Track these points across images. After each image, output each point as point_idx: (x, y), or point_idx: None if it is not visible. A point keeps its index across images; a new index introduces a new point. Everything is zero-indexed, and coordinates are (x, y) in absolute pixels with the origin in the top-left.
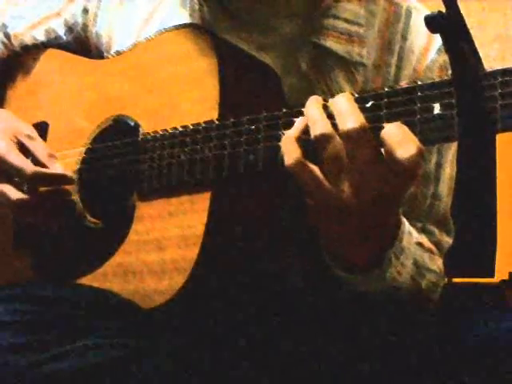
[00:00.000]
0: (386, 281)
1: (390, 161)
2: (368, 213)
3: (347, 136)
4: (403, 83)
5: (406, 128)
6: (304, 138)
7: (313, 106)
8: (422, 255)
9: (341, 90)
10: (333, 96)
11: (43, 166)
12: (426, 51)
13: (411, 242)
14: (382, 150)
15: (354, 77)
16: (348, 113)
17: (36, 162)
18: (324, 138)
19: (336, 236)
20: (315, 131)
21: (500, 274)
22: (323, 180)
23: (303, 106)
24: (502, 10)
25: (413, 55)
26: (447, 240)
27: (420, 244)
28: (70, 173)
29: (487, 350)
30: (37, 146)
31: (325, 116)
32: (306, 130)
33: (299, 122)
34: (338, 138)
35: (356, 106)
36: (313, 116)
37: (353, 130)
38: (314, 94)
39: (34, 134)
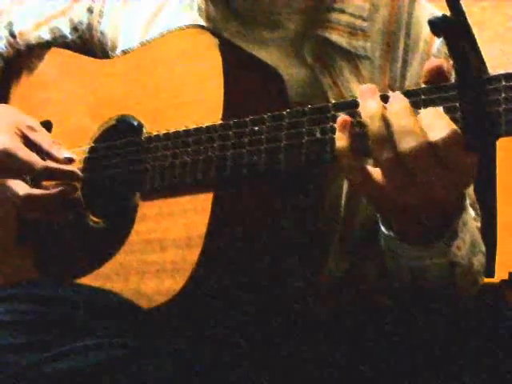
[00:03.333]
0: (449, 254)
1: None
2: (427, 209)
3: (405, 156)
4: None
5: (441, 112)
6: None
7: (371, 98)
8: (478, 233)
9: (346, 83)
10: (338, 89)
11: (49, 155)
12: (431, 41)
13: (470, 216)
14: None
15: (358, 70)
16: (407, 131)
17: (41, 152)
18: (379, 139)
19: (395, 212)
20: (373, 129)
21: (500, 274)
22: (372, 180)
23: (307, 106)
24: (502, 10)
25: (418, 47)
26: (476, 217)
27: (476, 220)
28: (77, 170)
29: (487, 349)
30: (40, 136)
31: (381, 114)
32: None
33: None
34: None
35: (415, 118)
36: (370, 110)
37: (410, 150)
38: (320, 87)
39: (36, 124)
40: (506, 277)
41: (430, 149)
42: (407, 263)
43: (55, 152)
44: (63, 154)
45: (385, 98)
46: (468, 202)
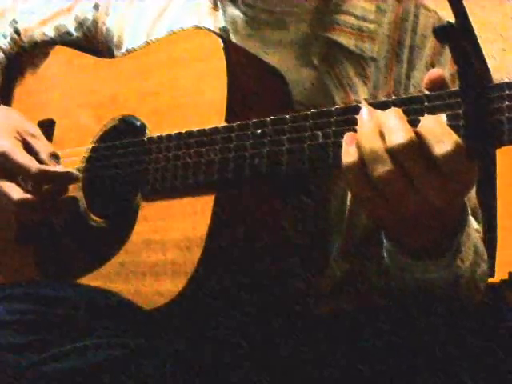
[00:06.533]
0: (453, 267)
1: (432, 159)
2: (427, 219)
3: (395, 152)
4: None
5: (443, 122)
6: None
7: (366, 118)
8: (481, 243)
9: (352, 85)
10: (344, 90)
11: (44, 163)
12: (437, 45)
13: (472, 229)
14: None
15: (365, 72)
16: (396, 128)
17: (40, 160)
18: (373, 156)
19: (396, 227)
20: (364, 146)
21: (500, 274)
22: (374, 196)
23: (310, 110)
24: (502, 10)
25: (424, 50)
26: (479, 228)
27: (478, 231)
28: (74, 170)
29: (487, 349)
30: (40, 144)
31: (377, 133)
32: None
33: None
34: (387, 157)
35: (405, 120)
36: (364, 130)
37: (400, 145)
38: (326, 88)
39: (38, 132)
40: (506, 277)
41: (425, 157)
42: (411, 276)
43: (51, 164)
44: (59, 168)
45: (385, 106)
46: (469, 212)
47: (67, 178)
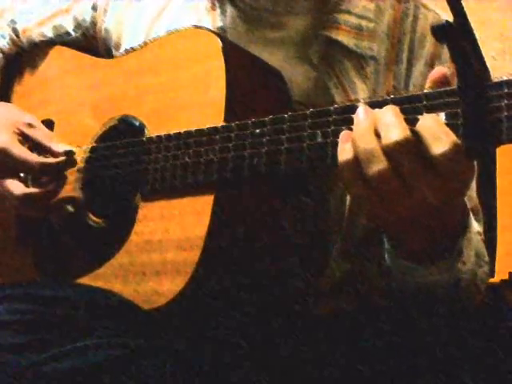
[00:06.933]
0: (454, 270)
1: (428, 158)
2: (425, 219)
3: (391, 149)
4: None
5: (441, 121)
6: None
7: (362, 117)
8: (482, 245)
9: (352, 84)
10: (343, 89)
11: (46, 149)
12: (436, 44)
13: (474, 232)
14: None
15: (364, 71)
16: (392, 125)
17: (39, 148)
18: (367, 154)
19: (394, 227)
20: (359, 145)
21: (500, 274)
22: (369, 194)
23: (308, 110)
24: (502, 10)
25: (424, 49)
26: (480, 230)
27: (479, 233)
28: (69, 147)
29: (487, 349)
30: (39, 133)
31: (372, 132)
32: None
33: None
34: (382, 155)
35: (402, 118)
36: (359, 129)
37: (395, 143)
38: (325, 87)
39: (36, 121)
40: (506, 277)
41: (420, 156)
42: (412, 278)
43: (53, 146)
44: (62, 147)
45: (383, 104)
46: (471, 213)
47: (66, 164)
